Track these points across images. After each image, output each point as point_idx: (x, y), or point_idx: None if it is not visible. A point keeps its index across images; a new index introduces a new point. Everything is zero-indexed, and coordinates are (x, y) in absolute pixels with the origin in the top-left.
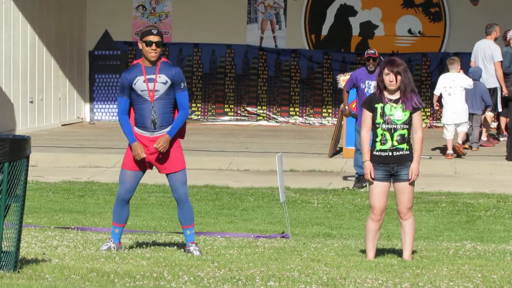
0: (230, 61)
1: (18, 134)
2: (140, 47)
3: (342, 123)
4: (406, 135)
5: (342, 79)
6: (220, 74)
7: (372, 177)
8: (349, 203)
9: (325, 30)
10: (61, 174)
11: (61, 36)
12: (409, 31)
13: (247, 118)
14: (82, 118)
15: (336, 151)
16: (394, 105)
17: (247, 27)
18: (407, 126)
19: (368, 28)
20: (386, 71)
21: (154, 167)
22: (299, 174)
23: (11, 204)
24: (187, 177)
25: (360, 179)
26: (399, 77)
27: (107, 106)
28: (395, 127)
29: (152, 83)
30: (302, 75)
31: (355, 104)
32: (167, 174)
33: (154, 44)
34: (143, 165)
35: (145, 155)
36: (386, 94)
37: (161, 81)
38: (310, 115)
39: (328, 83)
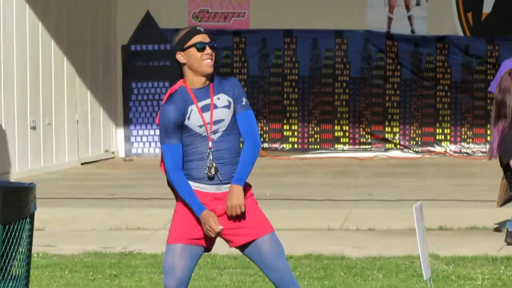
0: (342, 56)
1: (15, 180)
2: (183, 61)
3: None
4: None
5: None
6: (327, 77)
7: None
8: None
9: (488, 6)
10: (83, 242)
11: (79, 22)
12: None
13: (370, 146)
14: (113, 152)
15: (510, 197)
16: None
17: (367, 2)
18: None
19: None
20: None
21: (223, 240)
22: (453, 233)
23: None
24: (281, 243)
25: None
26: None
27: (151, 132)
28: None
29: (208, 113)
30: (454, 77)
31: None
32: (247, 245)
33: (207, 46)
34: (208, 238)
35: (221, 228)
36: None
37: (223, 105)
38: (469, 140)
39: None
